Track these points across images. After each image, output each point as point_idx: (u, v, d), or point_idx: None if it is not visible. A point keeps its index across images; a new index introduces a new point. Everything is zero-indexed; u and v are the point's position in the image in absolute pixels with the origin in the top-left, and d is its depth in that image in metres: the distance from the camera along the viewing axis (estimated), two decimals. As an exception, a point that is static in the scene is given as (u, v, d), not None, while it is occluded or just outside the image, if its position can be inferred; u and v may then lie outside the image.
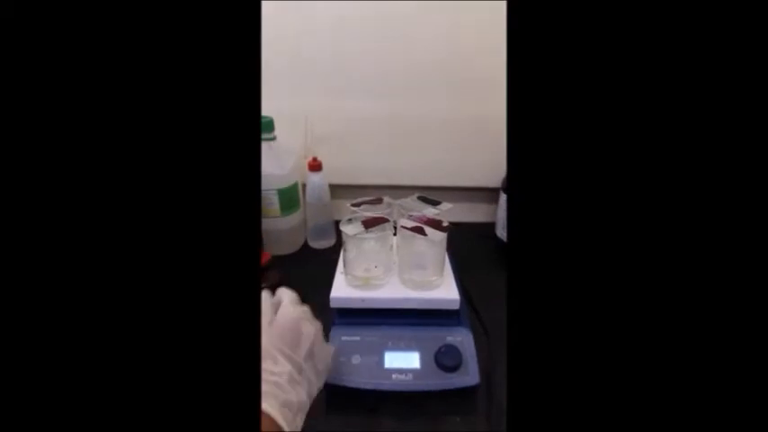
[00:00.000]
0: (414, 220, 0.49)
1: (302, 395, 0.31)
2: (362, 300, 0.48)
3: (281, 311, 0.36)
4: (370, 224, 0.48)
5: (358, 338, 0.46)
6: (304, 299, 0.39)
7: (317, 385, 0.35)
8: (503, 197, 0.69)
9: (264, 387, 0.29)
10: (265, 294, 0.37)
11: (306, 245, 0.72)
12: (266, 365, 0.31)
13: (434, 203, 0.55)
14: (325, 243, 0.72)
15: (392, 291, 0.49)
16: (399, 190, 0.64)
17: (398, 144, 0.73)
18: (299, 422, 0.31)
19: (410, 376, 0.43)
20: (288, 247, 0.69)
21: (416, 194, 0.57)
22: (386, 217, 0.50)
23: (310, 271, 0.56)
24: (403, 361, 0.44)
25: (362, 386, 0.42)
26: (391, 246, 0.52)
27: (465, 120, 0.70)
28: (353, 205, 0.54)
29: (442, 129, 0.71)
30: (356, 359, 0.44)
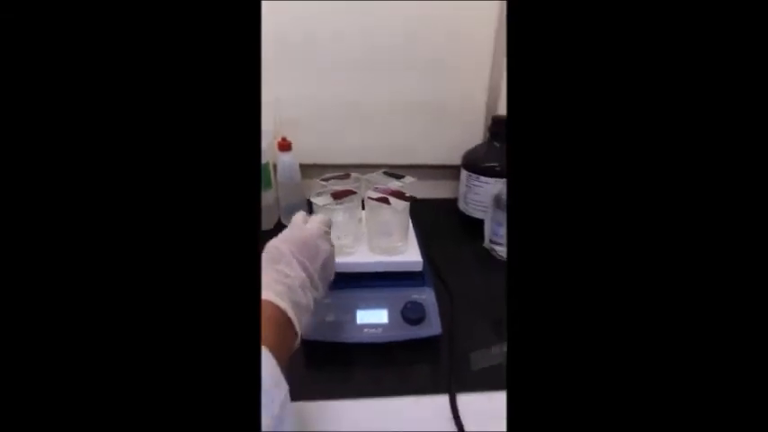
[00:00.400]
0: (379, 192, 0.53)
1: (310, 301, 0.36)
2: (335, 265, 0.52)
3: (308, 226, 0.41)
4: (338, 196, 0.52)
5: (331, 301, 0.50)
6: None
7: (321, 294, 0.39)
8: (464, 173, 0.74)
9: (278, 287, 0.33)
10: (302, 213, 0.44)
11: (279, 222, 0.75)
12: (282, 267, 0.35)
13: (398, 177, 0.59)
14: (298, 221, 0.75)
15: (362, 257, 0.53)
16: (367, 168, 0.68)
17: (364, 125, 0.77)
18: (304, 323, 0.35)
19: (380, 330, 0.48)
20: (262, 224, 0.72)
21: (382, 170, 0.61)
22: (353, 190, 0.54)
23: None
24: (373, 317, 0.49)
25: (337, 340, 0.47)
26: (360, 218, 0.56)
27: (426, 101, 0.75)
28: (323, 180, 0.57)
29: (405, 110, 0.76)
30: (330, 317, 0.48)
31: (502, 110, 0.75)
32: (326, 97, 0.73)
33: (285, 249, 0.36)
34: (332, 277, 0.42)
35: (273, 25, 0.67)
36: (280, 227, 0.75)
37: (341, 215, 0.53)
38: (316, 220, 0.42)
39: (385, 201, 0.51)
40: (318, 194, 0.52)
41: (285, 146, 0.69)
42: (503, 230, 0.66)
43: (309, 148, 0.75)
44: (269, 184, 0.71)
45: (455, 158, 0.78)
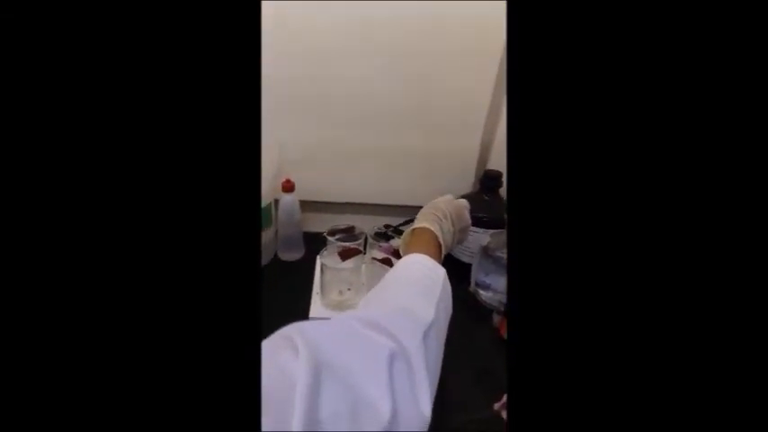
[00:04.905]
0: (382, 251, 0.58)
1: (449, 239, 0.50)
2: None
3: (459, 201, 0.57)
4: (345, 256, 0.56)
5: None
6: (280, 310, 0.47)
7: (456, 243, 0.54)
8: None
9: (431, 217, 0.49)
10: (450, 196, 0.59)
11: (276, 257, 0.78)
12: (440, 215, 0.50)
13: (399, 233, 0.63)
14: (295, 255, 0.78)
15: (363, 311, 0.58)
16: (364, 207, 0.71)
17: (363, 167, 0.80)
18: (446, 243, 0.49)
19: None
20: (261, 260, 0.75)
21: (383, 224, 0.65)
22: (359, 248, 0.58)
23: (284, 284, 0.65)
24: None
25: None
26: (362, 273, 0.60)
27: (423, 149, 0.79)
28: (329, 234, 0.61)
29: (402, 155, 0.79)
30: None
31: (492, 164, 0.81)
32: (328, 141, 0.76)
33: (443, 207, 0.52)
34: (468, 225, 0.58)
35: (278, 72, 0.68)
36: (277, 262, 0.78)
37: (346, 272, 0.57)
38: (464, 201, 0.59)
39: (388, 262, 0.56)
40: (325, 250, 0.56)
41: (288, 187, 0.71)
42: (488, 279, 0.71)
43: (310, 187, 0.77)
44: (270, 223, 0.73)
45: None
